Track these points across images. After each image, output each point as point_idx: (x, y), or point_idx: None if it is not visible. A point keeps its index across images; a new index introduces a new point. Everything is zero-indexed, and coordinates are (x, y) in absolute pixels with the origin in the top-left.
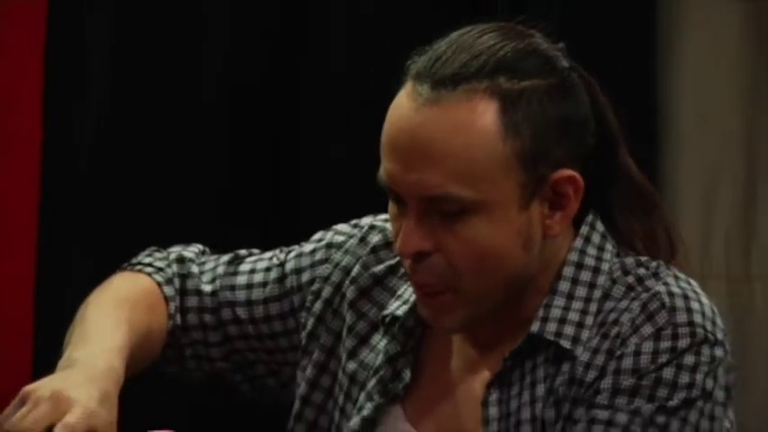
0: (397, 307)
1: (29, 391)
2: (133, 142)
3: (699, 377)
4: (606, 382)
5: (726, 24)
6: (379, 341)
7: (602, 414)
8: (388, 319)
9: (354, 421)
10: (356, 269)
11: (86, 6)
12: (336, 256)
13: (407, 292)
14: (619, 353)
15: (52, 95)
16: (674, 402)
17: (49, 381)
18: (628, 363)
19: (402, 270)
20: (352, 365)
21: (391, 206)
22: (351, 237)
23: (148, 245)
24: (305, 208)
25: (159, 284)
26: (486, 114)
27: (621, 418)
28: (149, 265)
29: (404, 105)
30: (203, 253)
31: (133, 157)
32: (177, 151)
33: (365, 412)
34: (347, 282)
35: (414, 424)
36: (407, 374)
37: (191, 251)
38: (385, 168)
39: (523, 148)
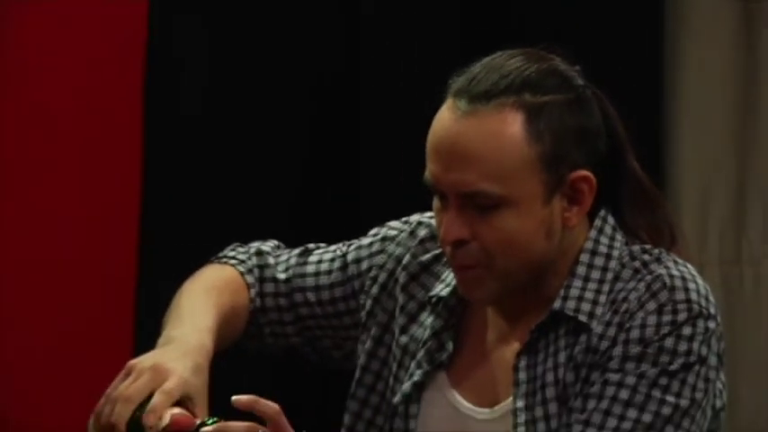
0: (440, 289)
1: (133, 364)
2: (223, 144)
3: (695, 345)
4: (617, 351)
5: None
6: (427, 318)
7: (614, 377)
8: (434, 300)
9: (406, 386)
10: (407, 258)
11: (183, 8)
12: (390, 247)
13: (450, 277)
14: (627, 326)
15: (151, 94)
16: (674, 366)
17: (150, 355)
18: (635, 334)
19: (445, 258)
20: (404, 339)
21: (435, 202)
22: (402, 231)
23: (234, 240)
24: (363, 206)
25: (242, 274)
26: (514, 124)
27: (630, 380)
28: (233, 258)
29: (445, 117)
30: (278, 247)
31: (221, 157)
32: (260, 153)
33: (415, 378)
34: (399, 269)
35: (455, 387)
36: (450, 346)
37: (268, 245)
38: (429, 170)
39: (545, 152)
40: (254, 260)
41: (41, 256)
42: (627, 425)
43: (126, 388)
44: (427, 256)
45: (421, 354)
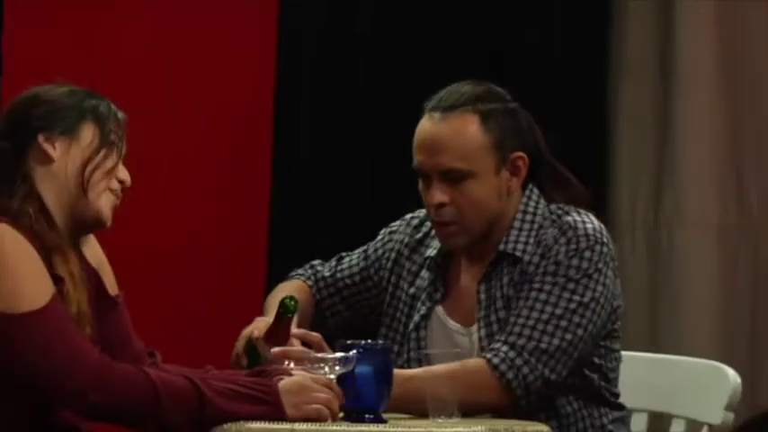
0: (430, 252)
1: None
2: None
3: (593, 262)
4: (539, 270)
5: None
6: (424, 273)
7: (536, 285)
8: (427, 260)
9: (415, 318)
10: (406, 239)
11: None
12: (395, 236)
13: (434, 243)
14: (547, 255)
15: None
16: (578, 276)
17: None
18: (552, 259)
19: (431, 234)
20: (412, 290)
21: (420, 184)
22: (400, 225)
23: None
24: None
25: (304, 281)
26: (473, 123)
27: (547, 287)
28: (297, 274)
29: (426, 124)
30: (322, 264)
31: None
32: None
33: (422, 311)
34: (403, 247)
35: (448, 315)
36: (441, 288)
37: (316, 262)
38: (417, 160)
39: (494, 140)
40: (310, 271)
41: (171, 256)
42: (545, 316)
43: (242, 332)
44: (419, 234)
45: (424, 296)
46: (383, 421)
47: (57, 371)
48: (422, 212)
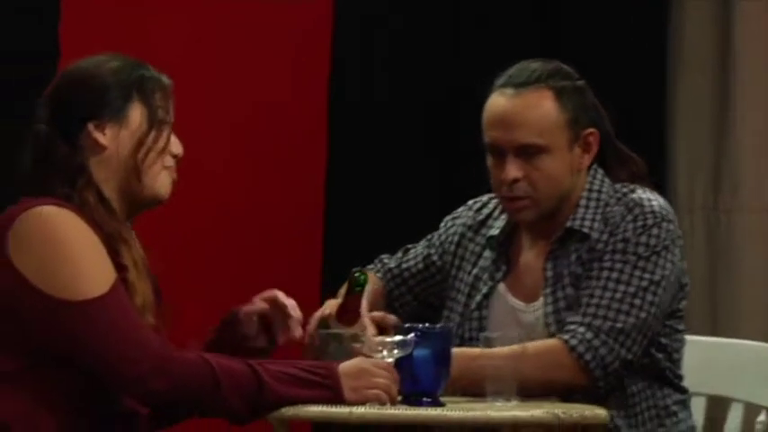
0: (493, 231)
1: None
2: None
3: (661, 239)
4: (608, 249)
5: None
6: (487, 254)
7: (607, 264)
8: (489, 240)
9: (478, 297)
10: (469, 221)
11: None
12: (457, 221)
13: (496, 224)
14: (615, 233)
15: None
16: (647, 253)
17: None
18: (619, 237)
19: (494, 213)
20: (475, 270)
21: (490, 160)
22: (463, 210)
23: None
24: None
25: (375, 273)
26: (548, 99)
27: (618, 265)
28: (367, 268)
29: (498, 100)
30: (390, 257)
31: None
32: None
33: (484, 290)
34: (465, 229)
35: (510, 292)
36: (503, 267)
37: (383, 256)
38: (490, 135)
39: (568, 117)
40: (378, 265)
41: (226, 254)
42: (618, 294)
43: (313, 315)
44: (481, 216)
45: (486, 275)
46: (441, 404)
47: (117, 359)
48: (483, 197)
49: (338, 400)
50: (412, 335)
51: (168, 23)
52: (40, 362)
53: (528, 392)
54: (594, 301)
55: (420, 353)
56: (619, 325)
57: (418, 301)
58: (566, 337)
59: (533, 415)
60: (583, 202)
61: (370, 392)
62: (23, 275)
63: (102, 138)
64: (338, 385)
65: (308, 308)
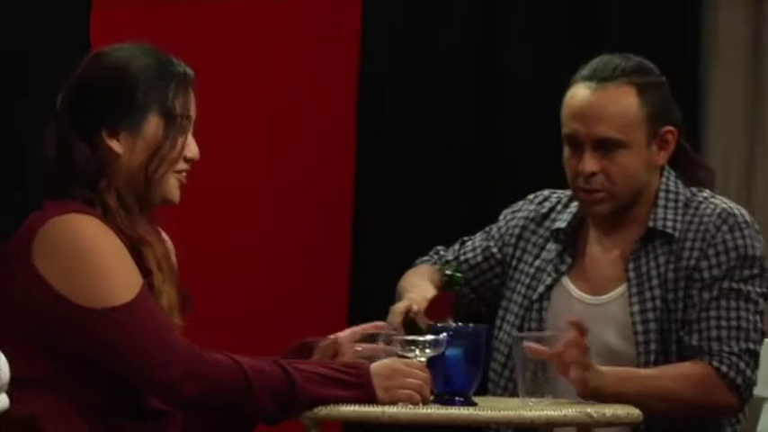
0: (559, 224)
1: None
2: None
3: (760, 249)
4: (711, 262)
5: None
6: (551, 246)
7: (725, 285)
8: (555, 232)
9: (540, 288)
10: (531, 214)
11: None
12: (517, 214)
13: (563, 216)
14: (713, 242)
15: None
16: (756, 269)
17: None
18: (721, 248)
19: (557, 207)
20: (537, 262)
21: (567, 151)
22: (523, 203)
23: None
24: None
25: (432, 265)
26: (630, 95)
27: (734, 284)
28: (421, 261)
29: (581, 92)
30: (446, 249)
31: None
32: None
33: (547, 282)
34: (527, 221)
35: (576, 285)
36: (568, 259)
37: (439, 247)
38: (570, 127)
39: (649, 113)
40: (435, 257)
41: (255, 256)
42: (742, 313)
43: (394, 308)
44: (544, 209)
45: (550, 267)
46: (473, 404)
47: (148, 364)
48: (542, 192)
49: (370, 399)
50: (444, 334)
51: (199, 24)
52: (71, 366)
53: (680, 415)
54: (724, 323)
55: (452, 352)
56: (751, 346)
57: (476, 295)
58: (715, 363)
59: (566, 414)
60: (661, 201)
61: (403, 393)
62: (49, 283)
63: (116, 145)
64: (370, 385)
65: (335, 314)
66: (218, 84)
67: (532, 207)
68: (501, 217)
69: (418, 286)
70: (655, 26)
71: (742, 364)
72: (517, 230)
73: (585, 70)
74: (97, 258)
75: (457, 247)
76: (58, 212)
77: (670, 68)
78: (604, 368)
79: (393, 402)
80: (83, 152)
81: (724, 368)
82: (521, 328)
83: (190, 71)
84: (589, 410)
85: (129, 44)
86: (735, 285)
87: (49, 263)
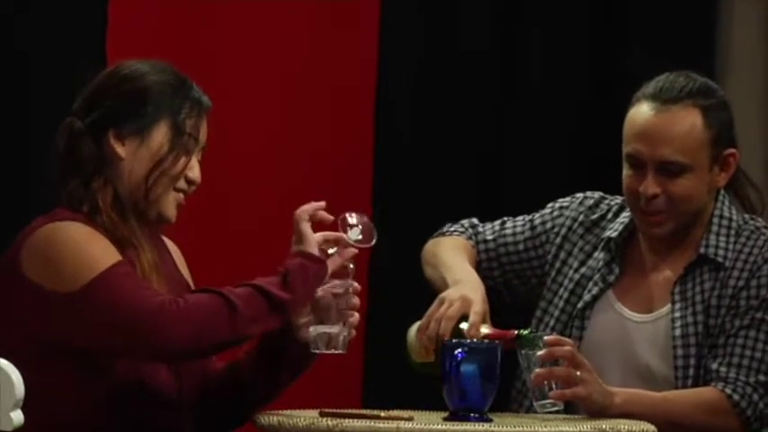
0: (610, 233)
1: (443, 296)
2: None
3: None
4: (753, 292)
5: None
6: (599, 254)
7: (758, 315)
8: (605, 240)
9: (586, 297)
10: (581, 217)
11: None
12: (566, 212)
13: (614, 225)
14: (757, 274)
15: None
16: None
17: (454, 290)
18: (764, 281)
19: (607, 215)
20: (582, 269)
21: (627, 170)
22: (572, 202)
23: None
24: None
25: (466, 239)
26: (696, 117)
27: (759, 314)
28: (456, 231)
29: (645, 112)
30: (484, 225)
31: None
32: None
33: (593, 292)
34: (576, 224)
35: (619, 300)
36: (617, 270)
37: (475, 221)
38: (633, 148)
39: (713, 136)
40: (470, 231)
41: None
42: (759, 345)
43: (447, 310)
44: (594, 215)
45: (597, 276)
46: (488, 420)
47: (134, 326)
48: (595, 194)
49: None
50: (458, 350)
51: (212, 37)
52: (79, 369)
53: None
54: (748, 353)
55: (467, 368)
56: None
57: (504, 280)
58: (728, 391)
59: (581, 430)
60: (714, 228)
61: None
62: (36, 283)
63: (121, 149)
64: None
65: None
66: (228, 100)
67: (582, 210)
68: (548, 210)
69: (469, 283)
70: (670, 41)
71: (756, 396)
72: (564, 230)
73: (650, 89)
74: (70, 247)
75: (497, 227)
76: (44, 222)
77: None
78: (614, 388)
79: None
80: (87, 147)
81: (736, 396)
82: (561, 335)
83: (207, 100)
84: (604, 426)
85: (154, 60)
86: (767, 317)
87: (31, 263)
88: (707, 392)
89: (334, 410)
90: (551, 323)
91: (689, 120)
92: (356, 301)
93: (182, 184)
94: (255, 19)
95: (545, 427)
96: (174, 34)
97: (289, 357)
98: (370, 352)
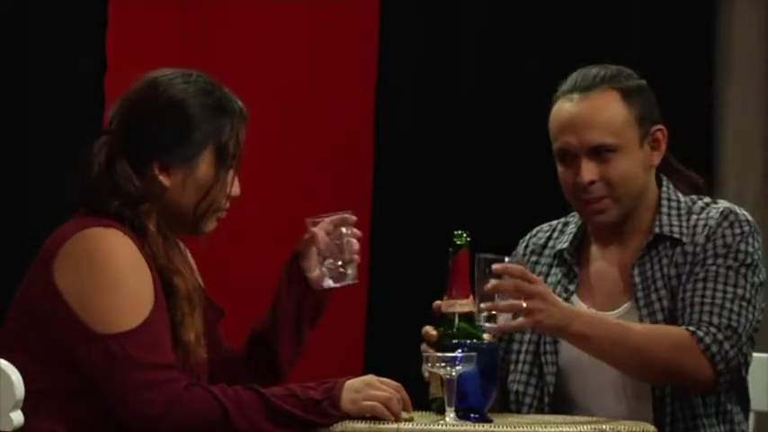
0: (560, 245)
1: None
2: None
3: (756, 248)
4: (710, 251)
5: None
6: (555, 270)
7: (712, 268)
8: (557, 255)
9: None
10: (530, 248)
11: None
12: (519, 250)
13: (562, 238)
14: (713, 237)
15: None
16: (749, 260)
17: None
18: (720, 241)
19: (553, 235)
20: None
21: (561, 167)
22: (520, 244)
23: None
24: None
25: None
26: (615, 99)
27: (722, 270)
28: None
29: (566, 105)
30: None
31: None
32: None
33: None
34: (529, 256)
35: (584, 301)
36: (575, 278)
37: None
38: (562, 141)
39: (636, 114)
40: None
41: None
42: (728, 296)
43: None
44: (541, 240)
45: (559, 288)
46: (489, 421)
47: (131, 397)
48: (532, 230)
49: (337, 409)
50: (461, 350)
51: (212, 37)
52: (86, 382)
53: (651, 375)
54: (708, 300)
55: (467, 369)
56: (734, 324)
57: None
58: (692, 328)
59: (580, 431)
60: (665, 209)
61: (367, 404)
62: (64, 299)
63: (166, 179)
64: (339, 397)
65: (351, 321)
66: (230, 85)
67: (526, 241)
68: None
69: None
70: (670, 44)
71: (720, 336)
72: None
73: (566, 85)
74: (110, 278)
75: None
76: (81, 227)
77: (685, 85)
78: (568, 306)
79: (358, 413)
80: (126, 174)
81: (700, 333)
82: (537, 348)
83: (244, 108)
84: (604, 427)
85: (184, 73)
86: (723, 270)
87: (67, 279)
88: (673, 329)
89: None
90: (527, 338)
91: (610, 102)
92: (357, 231)
93: (224, 203)
94: (256, 19)
95: (545, 427)
96: (173, 34)
97: (307, 308)
98: (370, 352)
